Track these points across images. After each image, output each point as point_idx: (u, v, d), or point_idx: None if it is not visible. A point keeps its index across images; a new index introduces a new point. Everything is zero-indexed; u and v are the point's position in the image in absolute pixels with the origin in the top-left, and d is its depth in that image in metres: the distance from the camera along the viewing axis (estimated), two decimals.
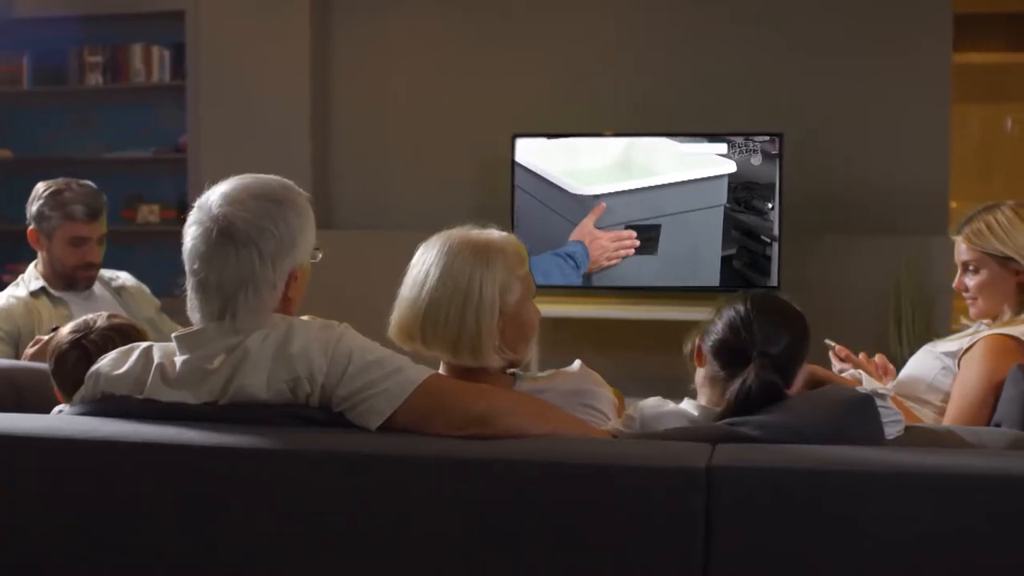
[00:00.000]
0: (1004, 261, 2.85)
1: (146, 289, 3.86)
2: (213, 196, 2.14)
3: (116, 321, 2.51)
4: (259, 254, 2.08)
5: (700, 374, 2.27)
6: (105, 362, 2.20)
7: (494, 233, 2.25)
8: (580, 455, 1.92)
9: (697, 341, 2.27)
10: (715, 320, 2.24)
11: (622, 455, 1.91)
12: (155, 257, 4.05)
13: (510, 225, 5.43)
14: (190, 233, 2.13)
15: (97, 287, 3.70)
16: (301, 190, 2.25)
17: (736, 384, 2.09)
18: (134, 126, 6.43)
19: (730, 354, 2.18)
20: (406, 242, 6.50)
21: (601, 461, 1.89)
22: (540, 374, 2.26)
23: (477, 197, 5.92)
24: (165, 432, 2.00)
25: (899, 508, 1.79)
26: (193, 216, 2.14)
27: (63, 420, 2.09)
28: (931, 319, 5.32)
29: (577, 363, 2.29)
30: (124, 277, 3.83)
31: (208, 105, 6.12)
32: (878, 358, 3.01)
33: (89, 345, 2.41)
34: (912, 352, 5.02)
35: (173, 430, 2.01)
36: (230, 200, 2.12)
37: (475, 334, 2.14)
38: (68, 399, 2.31)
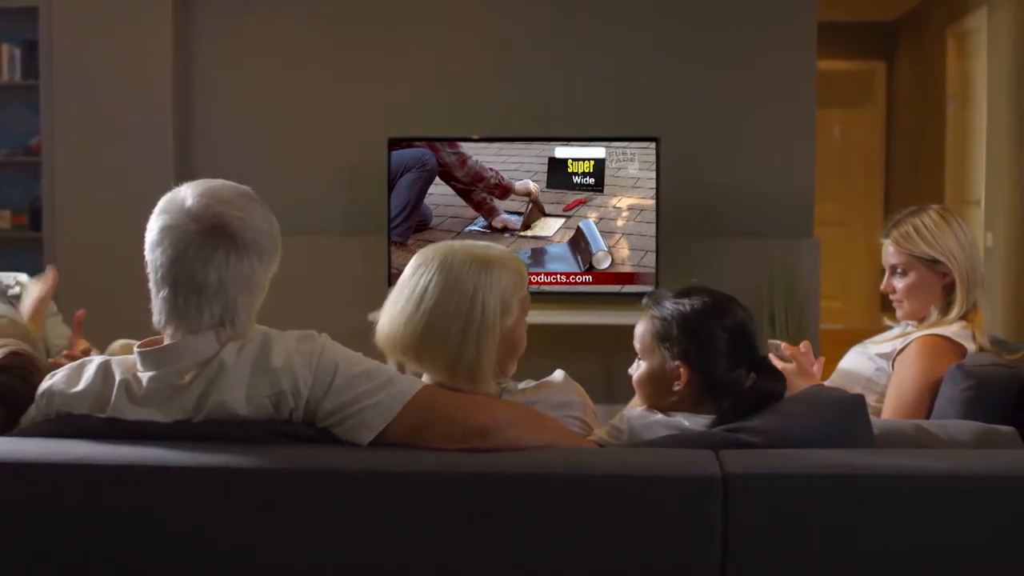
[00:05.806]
0: (931, 264, 2.92)
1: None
2: (189, 199, 1.98)
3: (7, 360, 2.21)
4: (259, 256, 1.99)
5: (680, 390, 2.15)
6: (58, 379, 2.05)
7: (495, 248, 2.15)
8: (591, 466, 1.89)
9: (677, 365, 2.15)
10: (688, 339, 2.17)
11: (633, 465, 1.88)
12: (6, 266, 3.80)
13: (385, 229, 5.37)
14: (169, 239, 1.96)
15: None
16: None
17: (736, 396, 2.09)
18: None
19: (723, 381, 2.13)
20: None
21: (614, 471, 1.87)
22: (521, 385, 2.21)
23: (352, 201, 5.84)
24: (143, 453, 1.89)
25: (914, 510, 1.82)
26: (163, 220, 1.98)
27: (28, 443, 1.93)
28: (802, 318, 5.47)
29: (560, 373, 2.23)
30: (24, 284, 3.54)
31: (63, 106, 5.85)
32: (803, 346, 2.97)
33: None
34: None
35: (151, 450, 1.89)
36: (217, 199, 2.00)
37: (474, 359, 2.05)
38: None
